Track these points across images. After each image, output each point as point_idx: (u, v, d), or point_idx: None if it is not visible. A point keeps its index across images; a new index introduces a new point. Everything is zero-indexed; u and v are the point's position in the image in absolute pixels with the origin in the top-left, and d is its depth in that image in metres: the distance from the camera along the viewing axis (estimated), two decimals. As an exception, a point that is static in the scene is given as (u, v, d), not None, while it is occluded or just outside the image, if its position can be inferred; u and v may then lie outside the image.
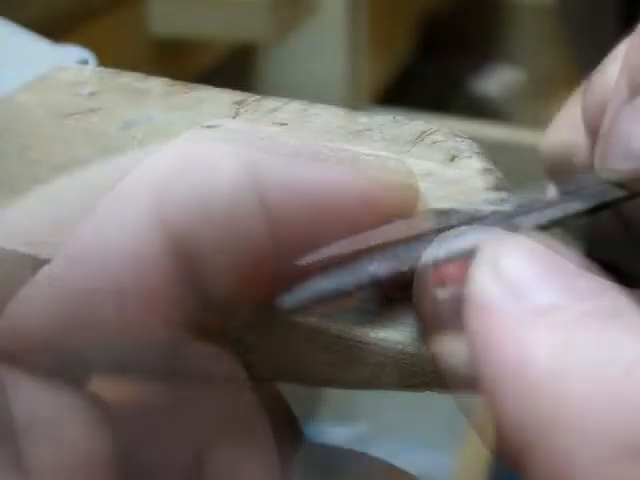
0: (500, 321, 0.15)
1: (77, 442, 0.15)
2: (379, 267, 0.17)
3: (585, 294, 0.15)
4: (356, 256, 0.16)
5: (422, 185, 0.20)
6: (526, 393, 0.14)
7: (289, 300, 0.16)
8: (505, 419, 0.14)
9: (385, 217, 0.17)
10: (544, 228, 0.18)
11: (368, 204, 0.17)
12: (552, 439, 0.14)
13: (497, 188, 0.20)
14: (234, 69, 0.84)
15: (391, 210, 0.17)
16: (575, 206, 0.19)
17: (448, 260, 0.17)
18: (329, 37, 0.85)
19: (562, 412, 0.14)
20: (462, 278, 0.16)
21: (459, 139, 0.22)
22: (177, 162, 0.16)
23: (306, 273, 0.16)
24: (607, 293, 0.15)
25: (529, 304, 0.15)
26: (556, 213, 0.18)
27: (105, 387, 0.16)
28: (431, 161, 0.21)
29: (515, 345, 0.14)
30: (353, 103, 0.86)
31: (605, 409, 0.13)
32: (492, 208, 0.20)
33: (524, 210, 0.18)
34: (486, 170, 0.21)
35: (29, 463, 0.15)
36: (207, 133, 0.18)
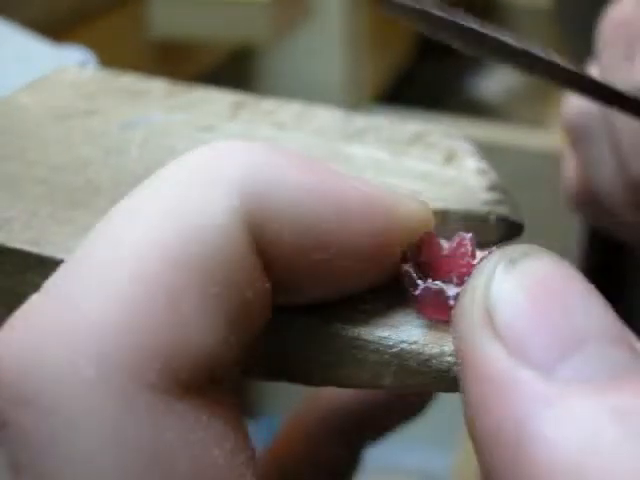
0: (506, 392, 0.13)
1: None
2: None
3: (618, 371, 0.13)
4: None
5: (418, 185, 0.20)
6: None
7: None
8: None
9: (405, 232, 0.17)
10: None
11: (394, 216, 0.16)
12: None
13: (493, 188, 0.20)
14: (234, 70, 0.84)
15: (412, 227, 0.17)
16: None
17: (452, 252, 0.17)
18: (329, 37, 0.85)
19: None
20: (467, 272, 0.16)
21: (455, 140, 0.22)
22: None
23: None
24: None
25: (549, 376, 0.13)
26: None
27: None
28: (427, 162, 0.21)
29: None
30: (353, 103, 0.86)
31: None
32: (488, 208, 0.20)
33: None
34: (482, 170, 0.21)
35: None
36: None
